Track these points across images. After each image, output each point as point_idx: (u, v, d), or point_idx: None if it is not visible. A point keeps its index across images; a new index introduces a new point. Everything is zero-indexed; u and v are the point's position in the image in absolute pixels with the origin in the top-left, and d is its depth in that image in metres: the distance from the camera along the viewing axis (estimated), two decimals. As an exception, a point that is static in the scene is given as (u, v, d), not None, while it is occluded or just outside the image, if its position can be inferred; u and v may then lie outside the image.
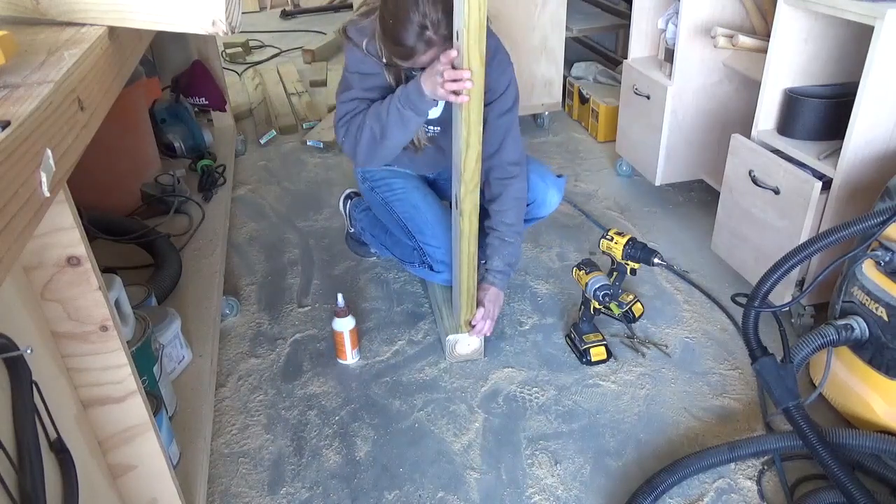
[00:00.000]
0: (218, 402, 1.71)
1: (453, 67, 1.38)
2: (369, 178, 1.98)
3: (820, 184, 1.65)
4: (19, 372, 0.80)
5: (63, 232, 0.91)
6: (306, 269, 2.25)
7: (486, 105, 1.47)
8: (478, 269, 1.72)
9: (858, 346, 1.49)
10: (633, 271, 1.75)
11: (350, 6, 4.79)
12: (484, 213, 1.75)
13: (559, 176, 1.97)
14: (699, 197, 2.58)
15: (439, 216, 1.86)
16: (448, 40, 1.43)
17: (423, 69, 1.51)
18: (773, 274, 1.33)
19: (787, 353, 1.36)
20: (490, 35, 1.49)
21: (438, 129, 1.81)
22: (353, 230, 2.24)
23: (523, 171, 1.78)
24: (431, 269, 1.88)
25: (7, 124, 0.65)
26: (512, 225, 1.77)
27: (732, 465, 1.50)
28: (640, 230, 2.39)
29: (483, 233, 1.78)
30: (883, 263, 1.40)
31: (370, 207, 2.10)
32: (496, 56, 1.66)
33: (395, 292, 2.10)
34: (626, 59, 2.53)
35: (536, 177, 1.87)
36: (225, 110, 3.05)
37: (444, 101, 1.61)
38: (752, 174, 1.84)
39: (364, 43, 1.62)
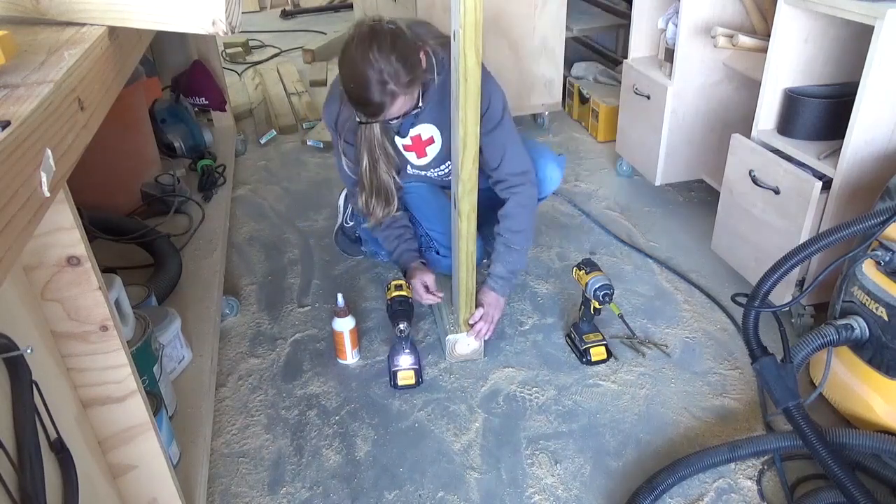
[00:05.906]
0: (218, 402, 1.71)
1: (427, 290, 1.81)
2: None
3: (820, 184, 1.65)
4: (19, 372, 0.80)
5: (63, 232, 0.91)
6: (306, 269, 2.25)
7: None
8: (477, 271, 1.73)
9: (858, 346, 1.49)
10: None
11: (350, 6, 4.78)
12: (495, 219, 1.79)
13: (559, 155, 2.00)
14: (699, 197, 2.58)
15: (444, 205, 1.91)
16: (410, 86, 1.49)
17: (396, 118, 1.57)
18: (773, 274, 1.33)
19: (787, 353, 1.36)
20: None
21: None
22: (348, 224, 2.24)
23: (532, 179, 1.78)
24: (438, 253, 1.95)
25: (7, 124, 0.65)
26: (518, 232, 1.77)
27: (732, 465, 1.50)
28: (640, 230, 2.39)
29: (492, 238, 1.83)
30: (883, 263, 1.40)
31: None
32: None
33: (395, 292, 2.10)
34: (626, 58, 2.53)
35: (536, 155, 1.89)
36: (225, 110, 3.05)
37: (440, 142, 1.79)
38: (752, 174, 1.84)
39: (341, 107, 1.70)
